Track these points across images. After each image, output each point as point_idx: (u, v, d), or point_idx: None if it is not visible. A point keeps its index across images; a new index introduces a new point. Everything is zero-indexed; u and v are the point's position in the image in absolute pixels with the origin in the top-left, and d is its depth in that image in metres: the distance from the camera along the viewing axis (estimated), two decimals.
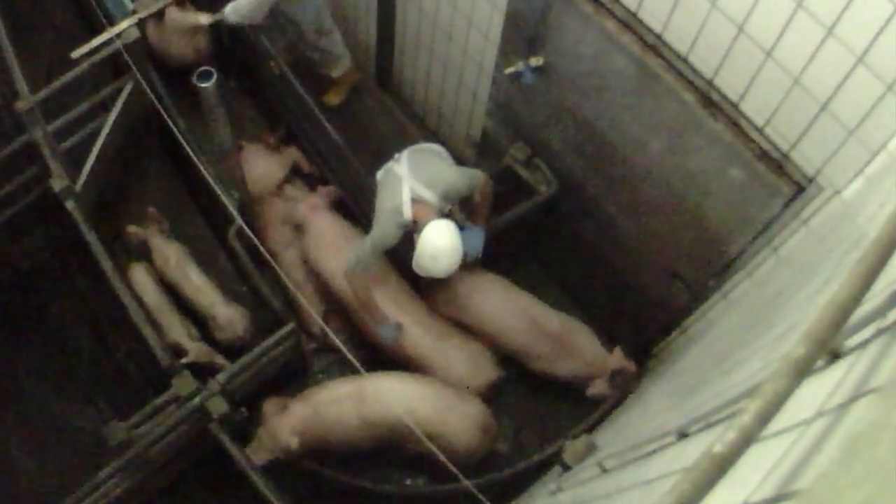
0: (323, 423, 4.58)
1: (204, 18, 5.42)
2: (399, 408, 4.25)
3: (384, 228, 4.30)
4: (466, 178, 4.36)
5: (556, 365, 4.84)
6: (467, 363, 4.82)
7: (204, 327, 5.13)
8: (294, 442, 4.47)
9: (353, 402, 4.58)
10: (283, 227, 5.40)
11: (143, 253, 5.33)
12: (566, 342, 4.81)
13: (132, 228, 5.34)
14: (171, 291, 5.20)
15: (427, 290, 4.99)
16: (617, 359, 4.70)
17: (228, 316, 5.06)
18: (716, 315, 4.17)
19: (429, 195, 4.23)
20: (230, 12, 5.20)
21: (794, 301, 2.67)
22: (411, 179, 4.26)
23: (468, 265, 4.69)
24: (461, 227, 4.76)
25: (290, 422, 4.54)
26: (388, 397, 4.44)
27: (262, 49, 5.46)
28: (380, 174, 4.56)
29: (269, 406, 4.69)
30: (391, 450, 4.75)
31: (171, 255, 5.25)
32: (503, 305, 4.86)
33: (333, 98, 6.09)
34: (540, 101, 4.58)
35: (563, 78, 4.31)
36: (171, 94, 5.26)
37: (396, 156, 4.51)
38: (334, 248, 5.04)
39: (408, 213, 4.22)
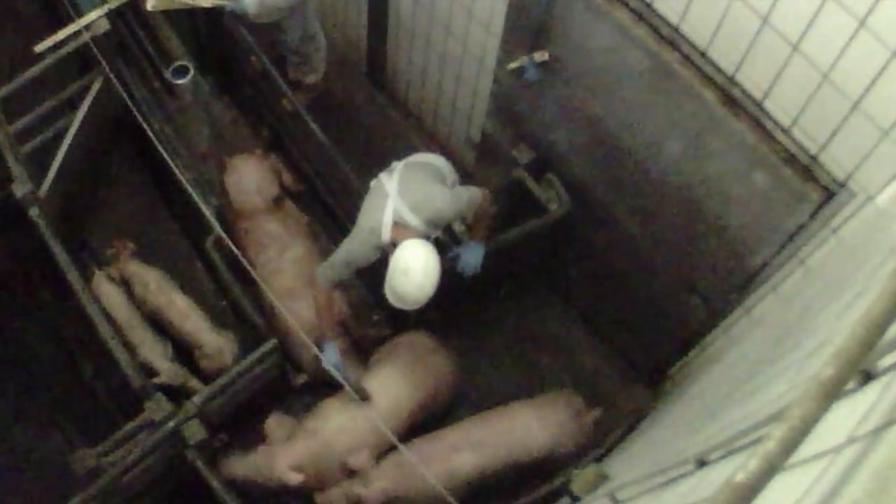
0: (334, 457, 4.53)
1: (203, 0, 5.05)
2: None
3: (359, 246, 4.27)
4: (458, 204, 4.29)
5: None
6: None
7: (185, 354, 5.10)
8: (296, 479, 4.41)
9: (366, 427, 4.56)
10: (274, 249, 5.32)
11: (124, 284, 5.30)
12: None
13: (108, 269, 5.32)
14: (154, 319, 5.16)
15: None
16: None
17: (217, 344, 5.03)
18: (738, 332, 4.17)
19: (413, 220, 4.16)
20: (253, 2, 4.99)
21: (823, 317, 2.67)
22: (398, 199, 4.19)
23: (465, 278, 4.69)
24: (458, 241, 4.77)
25: (294, 456, 4.47)
26: None
27: (242, 44, 5.45)
28: (374, 182, 4.52)
29: (276, 426, 4.65)
30: None
31: (151, 280, 5.23)
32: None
33: (288, 104, 5.99)
34: (545, 100, 4.59)
35: (570, 74, 4.32)
36: (143, 91, 5.26)
37: (393, 164, 4.46)
38: None
39: (386, 235, 4.16)
